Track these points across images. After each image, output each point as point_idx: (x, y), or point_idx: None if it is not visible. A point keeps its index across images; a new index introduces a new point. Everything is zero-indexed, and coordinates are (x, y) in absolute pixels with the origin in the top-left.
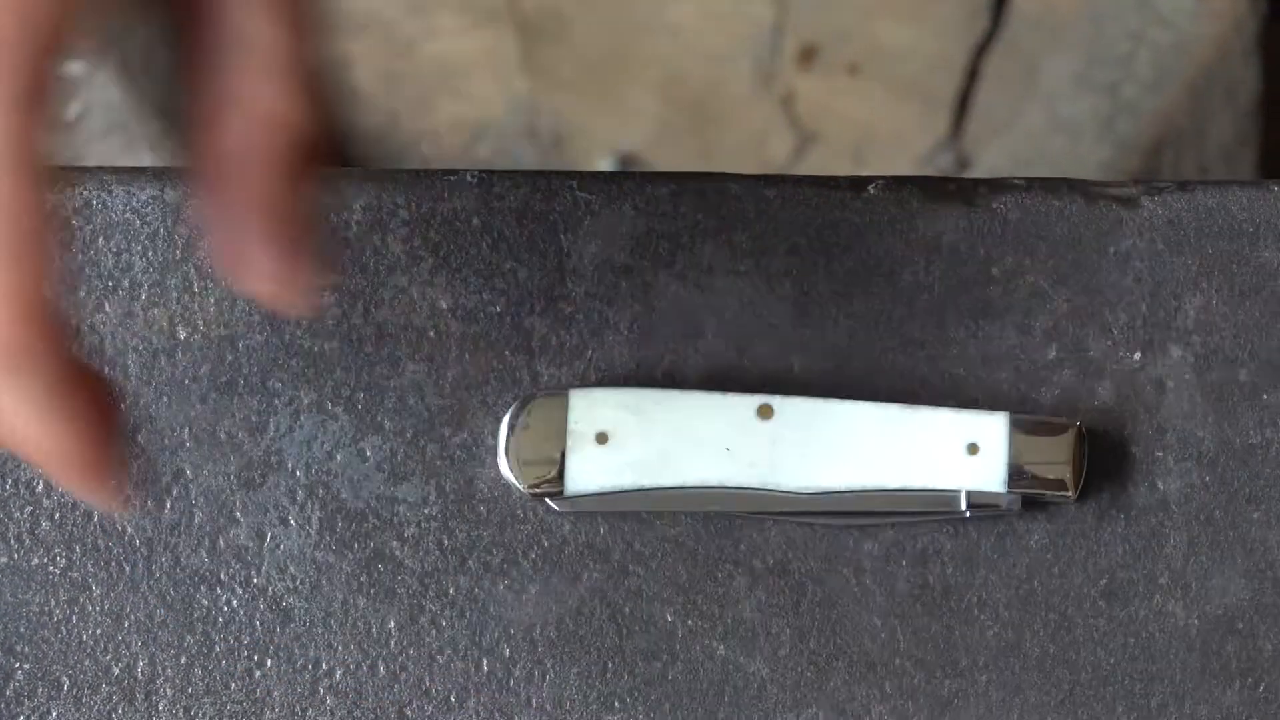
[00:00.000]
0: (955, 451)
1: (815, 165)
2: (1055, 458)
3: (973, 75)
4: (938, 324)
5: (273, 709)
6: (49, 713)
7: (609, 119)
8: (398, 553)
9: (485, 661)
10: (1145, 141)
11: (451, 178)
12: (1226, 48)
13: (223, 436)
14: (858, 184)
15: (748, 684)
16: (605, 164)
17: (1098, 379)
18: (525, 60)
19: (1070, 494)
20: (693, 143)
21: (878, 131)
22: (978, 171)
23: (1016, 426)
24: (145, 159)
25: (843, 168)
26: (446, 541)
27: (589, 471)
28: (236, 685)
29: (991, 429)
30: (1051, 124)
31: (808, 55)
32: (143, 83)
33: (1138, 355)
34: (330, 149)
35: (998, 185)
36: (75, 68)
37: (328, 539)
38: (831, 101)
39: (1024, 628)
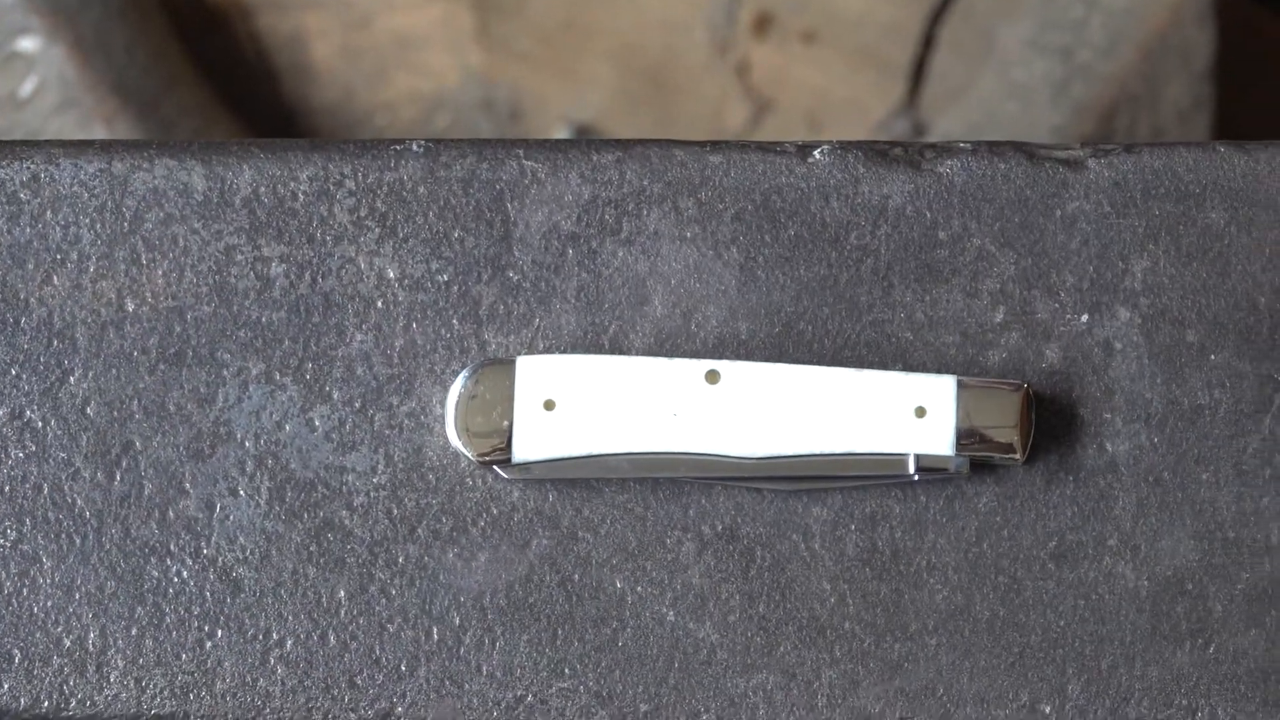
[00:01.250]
0: (903, 415)
1: (771, 133)
2: (1003, 420)
3: (928, 42)
4: (885, 288)
5: (224, 679)
6: (0, 685)
7: (565, 90)
8: (347, 522)
9: (435, 630)
10: (1099, 105)
11: (397, 147)
12: (1180, 11)
13: (171, 408)
14: (803, 149)
15: (697, 650)
16: (562, 135)
17: (1045, 341)
18: (481, 32)
19: (1018, 457)
20: (649, 112)
21: (833, 99)
22: (933, 138)
23: (964, 389)
24: (100, 135)
25: (798, 135)
26: (395, 510)
27: (537, 439)
28: (187, 656)
29: (939, 392)
30: (1006, 89)
31: (763, 24)
32: (97, 60)
33: (1085, 317)
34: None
35: (943, 149)
36: (30, 44)
37: (277, 509)
38: (787, 70)
39: (973, 590)
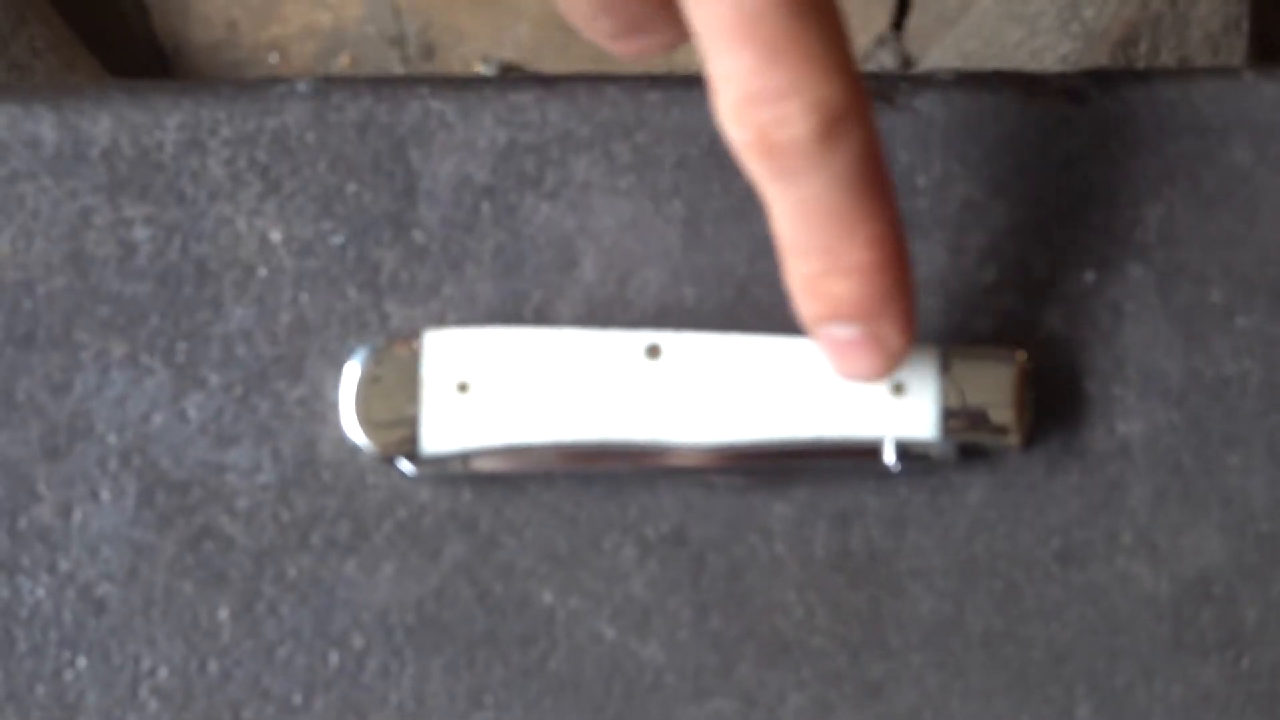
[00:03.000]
0: (878, 392)
1: None
2: (996, 397)
3: None
4: None
5: (87, 715)
6: None
7: (485, 23)
8: (228, 529)
9: (334, 654)
10: (1116, 31)
11: (280, 88)
12: None
13: (21, 398)
14: None
15: (641, 672)
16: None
17: (1044, 304)
18: None
19: (1015, 440)
20: (583, 48)
21: None
22: (921, 71)
23: (949, 361)
24: None
25: None
26: (285, 515)
27: (448, 428)
28: (44, 689)
29: (920, 365)
30: (1005, 13)
31: None
32: None
33: (1090, 275)
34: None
35: (921, 81)
36: None
37: (146, 515)
38: None
39: (964, 598)
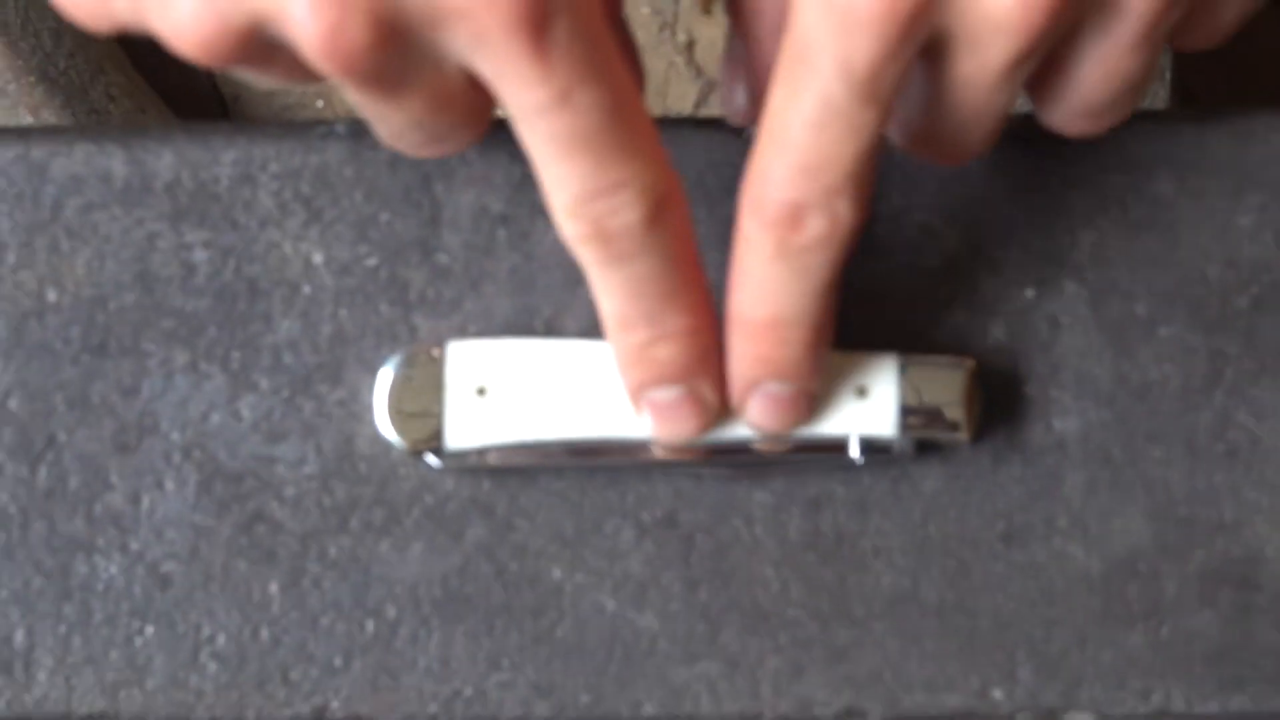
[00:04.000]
0: (844, 395)
1: (719, 111)
2: (948, 398)
3: None
4: None
5: (154, 677)
6: None
7: None
8: (277, 514)
9: (369, 623)
10: None
11: (321, 129)
12: None
13: (95, 400)
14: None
15: (638, 639)
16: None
17: (990, 317)
18: None
19: (965, 435)
20: None
21: None
22: None
23: (907, 367)
24: (27, 122)
25: None
26: (326, 501)
27: (469, 426)
28: (117, 654)
29: (881, 371)
30: None
31: (707, 1)
32: (23, 47)
33: (1031, 292)
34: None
35: None
36: None
37: (205, 502)
38: None
39: (920, 574)
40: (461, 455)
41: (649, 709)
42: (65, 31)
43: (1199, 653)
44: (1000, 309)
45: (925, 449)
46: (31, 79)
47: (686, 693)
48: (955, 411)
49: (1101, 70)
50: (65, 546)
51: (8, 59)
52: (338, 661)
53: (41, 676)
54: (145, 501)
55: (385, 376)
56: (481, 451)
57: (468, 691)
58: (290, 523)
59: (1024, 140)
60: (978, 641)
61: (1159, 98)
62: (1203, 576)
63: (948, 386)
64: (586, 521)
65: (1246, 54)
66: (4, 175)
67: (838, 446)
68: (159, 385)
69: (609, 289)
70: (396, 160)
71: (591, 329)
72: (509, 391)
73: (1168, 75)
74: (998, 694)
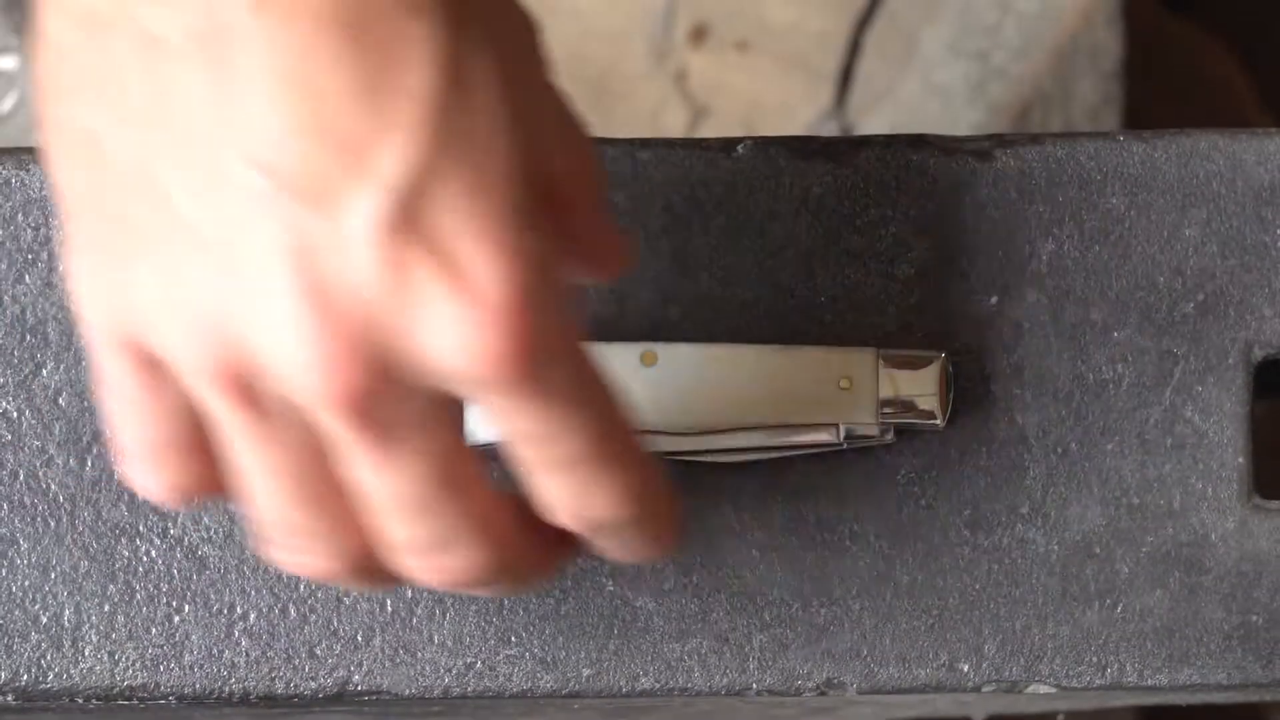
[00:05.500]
0: (829, 387)
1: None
2: (923, 389)
3: (854, 48)
4: (807, 273)
5: (191, 652)
6: None
7: None
8: None
9: (389, 602)
10: (1014, 104)
11: None
12: (1090, 14)
13: None
14: (727, 145)
15: (635, 617)
16: None
17: (958, 322)
18: None
19: (939, 422)
20: (593, 117)
21: (766, 104)
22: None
23: (885, 361)
24: None
25: None
26: None
27: (481, 423)
28: (157, 630)
29: (862, 364)
30: (927, 90)
31: (699, 34)
32: None
33: (995, 299)
34: None
35: (860, 142)
36: (10, 63)
37: None
38: (722, 77)
39: (894, 557)
40: (474, 449)
41: (645, 682)
42: None
43: (1150, 629)
44: (967, 314)
45: (902, 440)
46: None
47: (679, 667)
48: (930, 401)
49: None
50: (110, 531)
51: None
52: (360, 637)
53: (88, 652)
54: None
55: None
56: (491, 446)
57: (479, 665)
58: None
59: (987, 157)
60: (947, 619)
61: (1110, 120)
62: (1153, 559)
63: (923, 378)
64: None
65: (1193, 82)
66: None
67: (825, 433)
68: None
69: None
70: None
71: (594, 331)
72: None
73: (1118, 100)
74: (965, 668)
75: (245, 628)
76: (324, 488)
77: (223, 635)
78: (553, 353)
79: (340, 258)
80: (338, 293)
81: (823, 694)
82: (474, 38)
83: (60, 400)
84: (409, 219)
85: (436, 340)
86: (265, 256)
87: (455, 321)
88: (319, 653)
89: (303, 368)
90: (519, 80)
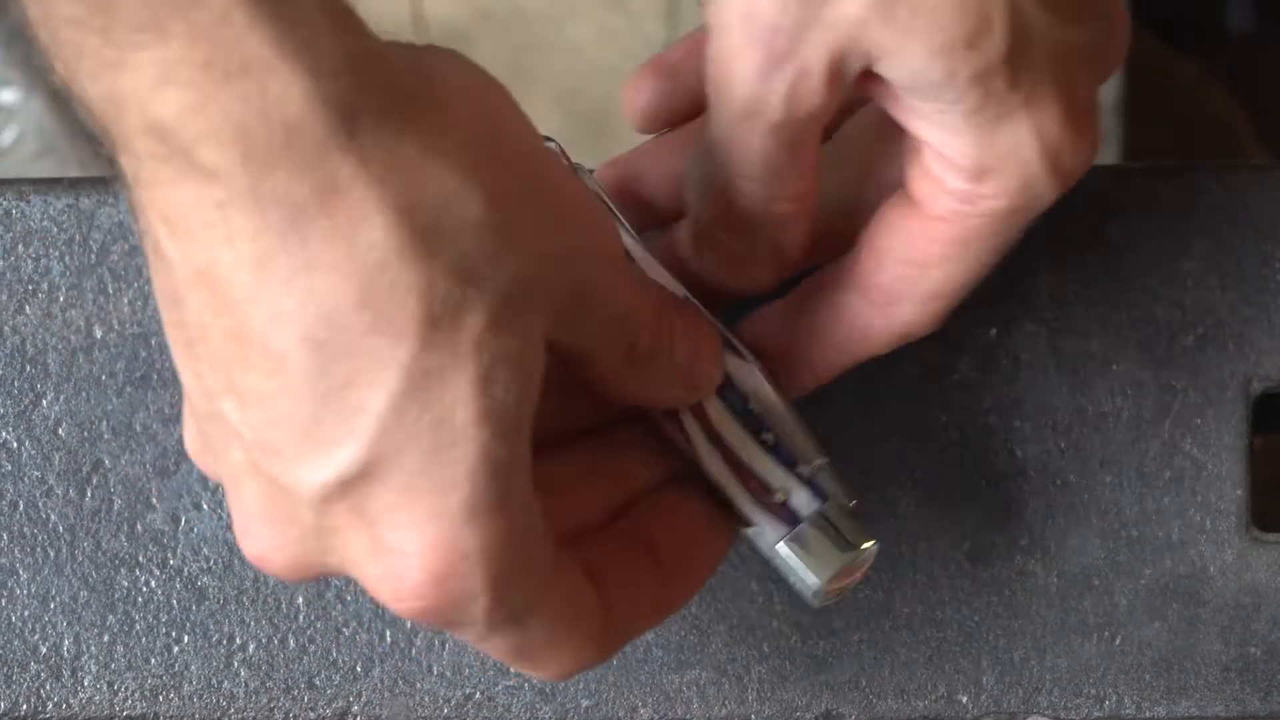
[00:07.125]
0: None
1: None
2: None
3: None
4: None
5: (191, 682)
6: None
7: None
8: None
9: (389, 633)
10: None
11: None
12: None
13: (139, 428)
14: None
15: (634, 647)
16: None
17: (958, 354)
18: None
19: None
20: (591, 154)
21: None
22: None
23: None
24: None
25: None
26: None
27: None
28: (156, 660)
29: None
30: None
31: None
32: (72, 109)
33: (994, 331)
34: None
35: None
36: (10, 96)
37: None
38: None
39: (893, 589)
40: None
41: (644, 713)
42: None
43: (1148, 661)
44: (967, 346)
45: (901, 467)
46: (81, 138)
47: (679, 697)
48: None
49: None
50: (109, 562)
51: (59, 120)
52: (359, 668)
53: (87, 681)
54: (183, 521)
55: None
56: None
57: (478, 695)
58: None
59: None
60: (945, 651)
61: (1111, 155)
62: (1152, 591)
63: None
64: None
65: (1192, 121)
66: (55, 223)
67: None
68: None
69: None
70: None
71: None
72: None
73: (1119, 136)
74: (964, 699)
75: (244, 658)
76: None
77: (222, 665)
78: (481, 604)
79: (293, 499)
80: (290, 515)
81: None
82: (443, 345)
83: (60, 431)
84: (349, 497)
85: (361, 576)
86: (241, 480)
87: (374, 580)
88: (318, 683)
89: (254, 559)
90: (506, 360)
